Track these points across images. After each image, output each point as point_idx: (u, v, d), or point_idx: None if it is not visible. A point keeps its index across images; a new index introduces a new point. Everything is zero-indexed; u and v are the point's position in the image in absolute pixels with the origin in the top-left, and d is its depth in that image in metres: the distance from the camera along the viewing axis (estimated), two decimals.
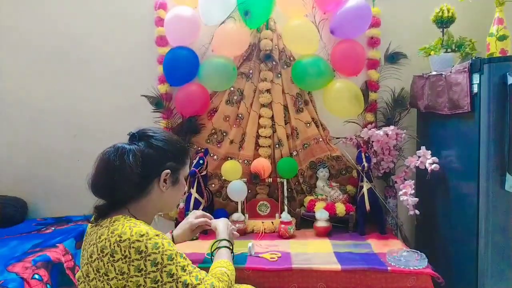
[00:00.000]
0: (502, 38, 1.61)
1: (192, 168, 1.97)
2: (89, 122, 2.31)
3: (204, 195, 1.98)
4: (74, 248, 1.91)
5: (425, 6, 1.98)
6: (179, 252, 1.05)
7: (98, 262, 0.97)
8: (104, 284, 0.97)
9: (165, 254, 0.99)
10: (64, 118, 2.33)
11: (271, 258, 1.64)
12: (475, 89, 1.55)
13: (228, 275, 1.19)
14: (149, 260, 0.96)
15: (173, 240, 1.53)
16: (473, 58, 1.59)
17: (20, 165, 2.36)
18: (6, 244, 1.86)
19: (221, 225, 1.48)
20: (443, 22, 1.90)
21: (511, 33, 1.63)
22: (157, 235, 1.00)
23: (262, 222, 2.02)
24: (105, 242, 0.97)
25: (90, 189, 1.09)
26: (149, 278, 0.96)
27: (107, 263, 0.96)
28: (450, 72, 1.69)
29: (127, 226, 0.99)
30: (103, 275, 0.96)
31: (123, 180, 1.04)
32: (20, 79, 2.33)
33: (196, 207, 1.94)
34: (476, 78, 1.54)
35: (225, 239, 1.41)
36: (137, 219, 1.07)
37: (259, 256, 1.65)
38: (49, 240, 1.89)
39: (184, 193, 2.08)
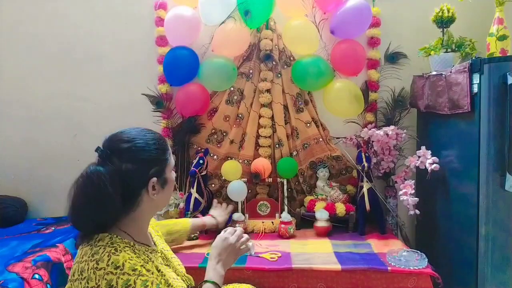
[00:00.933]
0: (502, 38, 1.61)
1: (192, 168, 1.97)
2: (89, 122, 2.31)
3: (204, 195, 1.98)
4: (74, 248, 1.91)
5: (425, 6, 1.98)
6: (160, 279, 1.01)
7: (78, 284, 0.95)
8: None
9: None
10: (64, 118, 2.33)
11: (271, 258, 1.64)
12: (475, 89, 1.55)
13: None
14: None
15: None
16: (473, 58, 1.59)
17: (20, 165, 2.36)
18: (6, 244, 1.86)
19: (211, 259, 1.22)
20: (443, 22, 1.89)
21: (511, 33, 1.63)
22: (133, 270, 0.95)
23: (262, 222, 2.02)
24: (84, 265, 0.95)
25: (71, 224, 1.02)
26: None
27: (84, 287, 0.93)
28: (450, 72, 1.69)
29: (107, 253, 0.95)
30: None
31: (105, 209, 0.97)
32: (20, 79, 2.33)
33: (196, 207, 1.94)
34: (476, 78, 1.54)
35: (210, 282, 1.15)
36: (124, 240, 1.02)
37: (259, 256, 1.65)
38: (49, 240, 1.89)
39: (181, 190, 2.11)
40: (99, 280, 0.92)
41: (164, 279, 1.05)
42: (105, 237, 0.99)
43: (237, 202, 2.08)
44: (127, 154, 1.02)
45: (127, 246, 1.00)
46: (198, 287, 1.17)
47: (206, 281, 1.15)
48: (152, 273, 1.00)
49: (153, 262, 1.05)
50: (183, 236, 1.69)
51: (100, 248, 0.96)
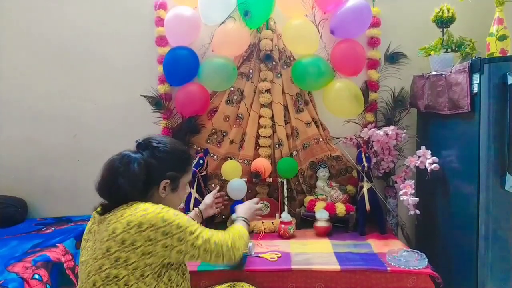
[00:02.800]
0: (502, 38, 1.61)
1: (192, 168, 1.97)
2: (89, 122, 2.31)
3: (204, 195, 1.98)
4: (74, 248, 1.91)
5: (425, 6, 1.98)
6: (190, 219, 1.19)
7: (124, 235, 1.06)
8: (129, 254, 1.06)
9: (183, 219, 1.14)
10: (64, 118, 2.33)
11: (271, 258, 1.64)
12: (475, 89, 1.55)
13: (233, 228, 1.36)
14: (173, 225, 1.10)
15: (201, 214, 1.76)
16: (473, 58, 1.59)
17: (20, 165, 2.36)
18: (6, 244, 1.86)
19: (241, 207, 1.60)
20: (443, 22, 1.89)
21: (511, 33, 1.63)
22: (170, 209, 1.15)
23: (262, 222, 2.02)
24: (131, 217, 1.08)
25: (96, 191, 1.18)
26: (175, 237, 1.10)
27: (134, 234, 1.06)
28: (450, 72, 1.69)
29: (147, 205, 1.13)
30: (129, 245, 1.06)
31: (127, 183, 1.14)
32: (20, 79, 2.33)
33: (196, 207, 1.93)
34: (476, 78, 1.54)
35: (241, 217, 1.51)
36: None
37: (259, 256, 1.65)
38: (49, 240, 1.89)
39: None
40: (151, 221, 1.08)
41: None
42: (137, 202, 1.15)
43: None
44: (155, 151, 1.22)
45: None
46: (232, 220, 1.53)
47: (239, 217, 1.51)
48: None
49: None
50: None
51: (139, 204, 1.13)
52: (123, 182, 1.13)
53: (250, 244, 1.70)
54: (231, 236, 1.27)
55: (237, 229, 1.36)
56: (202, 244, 1.16)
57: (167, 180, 1.22)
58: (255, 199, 1.72)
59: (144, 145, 1.24)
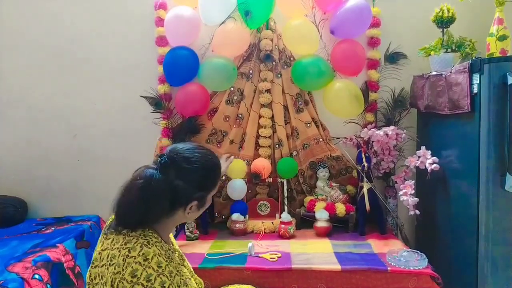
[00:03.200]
0: (502, 38, 1.61)
1: None
2: (89, 122, 2.31)
3: None
4: (74, 248, 1.91)
5: (425, 6, 1.98)
6: (179, 279, 1.04)
7: (105, 269, 1.01)
8: None
9: (157, 282, 0.97)
10: (64, 118, 2.33)
11: (271, 258, 1.64)
12: (475, 89, 1.55)
13: None
14: (138, 283, 0.96)
15: None
16: (473, 58, 1.59)
17: (21, 165, 2.36)
18: (6, 244, 1.86)
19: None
20: (443, 22, 1.89)
21: (511, 33, 1.63)
22: (159, 266, 0.99)
23: (262, 222, 2.02)
24: (116, 252, 1.00)
25: (115, 217, 1.08)
26: None
27: (110, 272, 0.99)
28: (450, 72, 1.69)
29: (139, 243, 1.01)
30: (104, 282, 1.00)
31: (151, 210, 1.04)
32: (20, 79, 2.33)
33: None
34: (476, 78, 1.54)
35: None
36: (154, 235, 1.06)
37: (259, 256, 1.65)
38: (49, 240, 1.90)
39: None
40: (126, 267, 0.97)
41: (182, 279, 1.08)
42: (138, 233, 1.04)
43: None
44: (184, 173, 1.07)
45: (157, 242, 1.05)
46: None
47: None
48: (171, 274, 1.02)
49: (173, 262, 1.08)
50: None
51: (133, 238, 1.02)
52: (145, 208, 1.03)
53: (250, 244, 1.70)
54: None
55: None
56: None
57: (196, 202, 1.10)
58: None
59: (170, 163, 1.07)
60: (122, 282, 0.96)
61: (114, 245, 1.03)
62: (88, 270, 1.07)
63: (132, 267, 0.97)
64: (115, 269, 0.98)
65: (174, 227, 1.22)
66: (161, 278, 0.98)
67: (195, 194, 1.09)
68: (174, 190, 1.05)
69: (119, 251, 1.00)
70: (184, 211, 1.10)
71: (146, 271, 0.97)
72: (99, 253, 1.05)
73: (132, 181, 1.06)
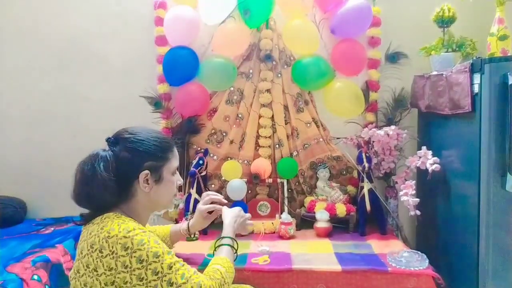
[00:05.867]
0: (503, 38, 1.60)
1: (192, 169, 1.97)
2: (89, 122, 2.31)
3: None
4: (74, 249, 1.90)
5: (425, 6, 1.97)
6: (166, 249, 1.03)
7: (88, 258, 0.98)
8: (93, 280, 0.97)
9: (151, 251, 0.98)
10: (64, 118, 2.32)
11: (264, 261, 1.62)
12: (476, 89, 1.54)
13: (221, 273, 1.13)
14: (134, 256, 0.96)
15: (188, 230, 1.51)
16: (474, 58, 1.58)
17: (20, 165, 2.35)
18: (5, 244, 1.85)
19: (227, 219, 1.39)
20: (444, 21, 1.89)
21: None
22: (143, 232, 1.00)
23: (262, 223, 2.02)
24: (95, 238, 0.99)
25: (72, 199, 1.08)
26: (134, 275, 0.96)
27: (96, 259, 0.97)
28: (451, 72, 1.68)
29: (116, 223, 1.00)
30: (93, 270, 0.97)
31: (98, 189, 1.03)
32: (20, 79, 2.33)
33: (195, 207, 1.93)
34: (477, 78, 1.53)
35: (227, 237, 1.31)
36: (129, 217, 1.07)
37: (252, 262, 1.63)
38: (49, 240, 1.89)
39: (180, 191, 2.09)
40: (112, 247, 0.96)
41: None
42: (111, 215, 1.05)
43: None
44: (127, 144, 1.10)
45: (132, 220, 1.06)
46: (218, 241, 1.31)
47: (224, 237, 1.31)
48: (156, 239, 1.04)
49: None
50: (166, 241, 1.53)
51: (108, 221, 1.02)
52: (92, 187, 1.03)
53: (250, 222, 1.59)
54: (213, 284, 1.06)
55: (223, 272, 1.14)
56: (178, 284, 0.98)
57: (147, 171, 1.09)
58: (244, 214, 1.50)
59: (114, 140, 1.12)
60: (118, 260, 0.95)
61: (90, 234, 1.01)
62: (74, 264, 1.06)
63: (119, 243, 0.96)
64: (101, 252, 0.96)
65: (146, 212, 1.18)
66: (152, 238, 1.00)
67: (144, 162, 1.09)
68: (121, 162, 1.07)
69: (97, 237, 0.98)
70: (139, 186, 1.10)
71: (136, 239, 0.97)
72: (79, 246, 1.04)
73: (80, 162, 1.10)
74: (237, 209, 1.47)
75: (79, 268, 1.00)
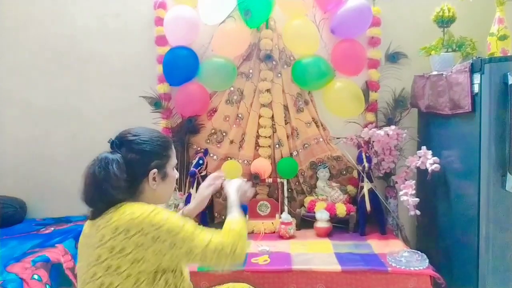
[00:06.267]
0: (503, 37, 1.60)
1: (192, 168, 1.97)
2: (89, 122, 2.30)
3: None
4: (74, 248, 1.90)
5: (425, 6, 1.98)
6: (185, 219, 1.12)
7: (112, 242, 1.02)
8: (119, 261, 1.02)
9: (176, 222, 1.07)
10: (63, 118, 2.32)
11: (264, 261, 1.62)
12: (476, 89, 1.54)
13: (231, 226, 1.20)
14: (162, 230, 1.03)
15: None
16: (474, 58, 1.58)
17: (20, 165, 2.35)
18: (5, 244, 1.85)
19: (231, 194, 1.40)
20: (444, 21, 1.89)
21: None
22: (163, 209, 1.09)
23: (262, 223, 2.02)
24: (118, 222, 1.04)
25: (85, 204, 1.13)
26: (166, 243, 1.04)
27: (122, 240, 1.02)
28: (451, 72, 1.68)
29: (136, 206, 1.08)
30: (118, 252, 1.02)
31: (111, 188, 1.08)
32: (20, 79, 2.33)
33: None
34: (477, 78, 1.53)
35: (236, 205, 1.35)
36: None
37: (252, 262, 1.63)
38: (49, 240, 1.89)
39: (180, 190, 2.09)
40: (139, 225, 1.02)
41: None
42: (126, 203, 1.10)
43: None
44: (133, 145, 1.16)
45: (145, 204, 1.12)
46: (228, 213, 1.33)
47: (234, 205, 1.34)
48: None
49: None
50: None
51: (126, 207, 1.07)
52: (106, 187, 1.08)
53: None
54: (231, 240, 1.13)
55: (237, 229, 1.20)
56: (200, 252, 1.07)
57: (155, 170, 1.16)
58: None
59: (119, 142, 1.17)
60: (147, 235, 1.02)
61: (108, 221, 1.05)
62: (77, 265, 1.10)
63: (145, 222, 1.03)
64: (128, 233, 1.02)
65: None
66: (172, 212, 1.12)
67: (151, 162, 1.16)
68: (130, 163, 1.13)
69: (119, 221, 1.03)
70: (148, 183, 1.16)
71: (160, 213, 1.06)
72: (93, 236, 1.07)
73: (88, 166, 1.14)
74: (239, 182, 1.48)
75: (101, 255, 1.03)
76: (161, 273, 1.07)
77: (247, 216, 2.05)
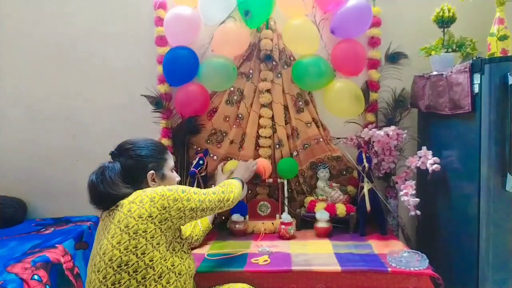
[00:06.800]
0: (503, 38, 1.60)
1: (191, 169, 1.97)
2: (89, 122, 2.30)
3: None
4: (73, 249, 1.90)
5: (426, 6, 1.98)
6: (195, 189, 1.35)
7: (140, 210, 1.18)
8: (147, 224, 1.17)
9: (182, 187, 1.30)
10: (63, 118, 2.32)
11: (264, 261, 1.62)
12: (476, 89, 1.54)
13: (224, 186, 1.52)
14: (178, 191, 1.26)
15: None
16: (474, 58, 1.58)
17: (20, 165, 2.35)
18: (5, 244, 1.85)
19: (237, 170, 1.88)
20: (444, 22, 1.89)
21: None
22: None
23: (262, 223, 2.02)
24: (141, 196, 1.21)
25: (95, 207, 1.29)
26: (184, 201, 1.26)
27: (149, 207, 1.19)
28: (451, 72, 1.68)
29: (151, 188, 1.26)
30: (147, 217, 1.18)
31: (110, 189, 1.24)
32: (20, 78, 2.33)
33: None
34: (477, 78, 1.54)
35: (237, 178, 1.69)
36: None
37: (252, 262, 1.63)
38: (49, 240, 1.89)
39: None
40: (161, 193, 1.22)
41: None
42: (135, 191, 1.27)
43: None
44: (130, 153, 1.34)
45: None
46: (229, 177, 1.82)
47: (234, 178, 1.70)
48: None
49: None
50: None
51: (138, 191, 1.25)
52: (105, 188, 1.24)
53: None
54: (221, 189, 1.46)
55: (228, 182, 1.56)
56: (203, 200, 1.33)
57: (152, 172, 1.33)
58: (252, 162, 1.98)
59: (118, 152, 1.34)
60: (168, 199, 1.22)
61: (130, 198, 1.22)
62: (90, 265, 1.22)
63: (165, 189, 1.24)
64: (152, 201, 1.20)
65: None
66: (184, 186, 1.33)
67: (148, 164, 1.34)
68: (129, 169, 1.31)
69: (144, 194, 1.21)
70: (149, 184, 1.33)
71: (175, 186, 1.30)
72: (119, 213, 1.20)
73: (90, 175, 1.29)
74: (248, 162, 1.97)
75: (128, 223, 1.17)
76: (172, 240, 1.26)
77: (247, 216, 2.06)
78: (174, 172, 1.47)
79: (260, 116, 2.18)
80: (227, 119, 2.21)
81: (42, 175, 2.34)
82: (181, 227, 1.64)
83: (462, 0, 1.81)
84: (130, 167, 1.31)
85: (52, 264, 1.69)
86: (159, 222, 1.20)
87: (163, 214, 1.21)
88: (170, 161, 1.44)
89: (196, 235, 1.74)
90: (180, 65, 2.08)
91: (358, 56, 2.09)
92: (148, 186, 1.32)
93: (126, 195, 1.25)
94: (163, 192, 1.22)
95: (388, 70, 2.17)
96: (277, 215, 2.07)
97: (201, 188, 1.43)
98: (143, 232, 1.17)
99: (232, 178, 1.69)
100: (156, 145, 1.41)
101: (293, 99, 2.18)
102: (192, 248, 1.74)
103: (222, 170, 2.05)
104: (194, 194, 1.31)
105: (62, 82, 2.31)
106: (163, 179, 1.38)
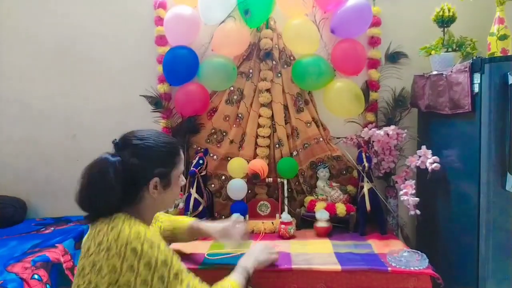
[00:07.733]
0: (503, 37, 1.60)
1: (192, 168, 1.97)
2: (89, 121, 2.31)
3: (204, 195, 1.98)
4: (73, 248, 1.91)
5: (426, 6, 1.98)
6: (175, 256, 1.04)
7: (94, 257, 0.98)
8: (98, 279, 0.97)
9: (160, 258, 0.99)
10: (63, 118, 2.32)
11: None
12: (476, 89, 1.54)
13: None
14: (142, 261, 0.97)
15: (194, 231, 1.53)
16: (474, 57, 1.58)
17: (20, 165, 2.35)
18: (5, 244, 1.85)
19: (256, 249, 1.40)
20: (444, 21, 1.89)
21: None
22: (154, 236, 1.02)
23: (262, 223, 2.02)
24: (103, 237, 0.98)
25: (76, 203, 1.07)
26: (139, 278, 0.96)
27: (102, 258, 0.96)
28: (451, 71, 1.68)
29: (127, 224, 1.00)
30: (98, 270, 0.97)
31: (106, 195, 1.03)
32: (19, 78, 2.33)
33: (195, 207, 1.94)
34: (477, 77, 1.53)
35: (245, 268, 1.30)
36: (137, 219, 1.07)
37: None
38: (49, 240, 1.89)
39: (180, 190, 2.08)
40: (121, 248, 0.96)
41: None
42: (120, 215, 1.04)
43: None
44: (136, 150, 1.08)
45: (140, 224, 1.04)
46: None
47: (240, 266, 1.29)
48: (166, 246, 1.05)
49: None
50: (182, 234, 1.58)
51: (118, 221, 1.01)
52: (100, 194, 1.03)
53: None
54: None
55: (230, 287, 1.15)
56: None
57: (156, 179, 1.09)
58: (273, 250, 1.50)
59: (122, 144, 1.10)
60: (124, 262, 0.95)
61: (98, 233, 1.01)
62: (78, 263, 1.06)
63: (128, 248, 0.96)
64: (108, 252, 0.96)
65: (151, 214, 1.19)
66: (162, 243, 1.02)
67: (154, 170, 1.09)
68: (131, 169, 1.06)
69: (106, 236, 0.98)
70: (148, 192, 1.10)
71: (146, 243, 0.98)
72: (85, 244, 1.04)
73: (88, 165, 1.08)
74: (265, 244, 1.45)
75: (84, 267, 0.99)
76: None
77: (247, 216, 2.05)
78: (182, 176, 1.22)
79: (260, 116, 2.18)
80: (227, 118, 2.21)
81: (42, 175, 2.35)
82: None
83: (462, 0, 1.81)
84: (132, 168, 1.07)
85: (52, 264, 1.70)
86: (109, 284, 0.96)
87: (112, 276, 0.96)
88: (181, 165, 1.19)
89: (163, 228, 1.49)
90: (180, 65, 2.08)
91: (358, 56, 2.09)
92: (147, 193, 1.11)
93: (116, 208, 1.05)
94: (124, 250, 0.95)
95: (388, 69, 2.17)
96: (277, 215, 2.07)
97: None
98: (95, 286, 0.97)
99: (235, 271, 1.27)
100: (168, 145, 1.15)
101: (293, 98, 2.18)
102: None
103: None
104: (161, 284, 0.98)
105: (62, 82, 2.31)
106: (166, 187, 1.14)
